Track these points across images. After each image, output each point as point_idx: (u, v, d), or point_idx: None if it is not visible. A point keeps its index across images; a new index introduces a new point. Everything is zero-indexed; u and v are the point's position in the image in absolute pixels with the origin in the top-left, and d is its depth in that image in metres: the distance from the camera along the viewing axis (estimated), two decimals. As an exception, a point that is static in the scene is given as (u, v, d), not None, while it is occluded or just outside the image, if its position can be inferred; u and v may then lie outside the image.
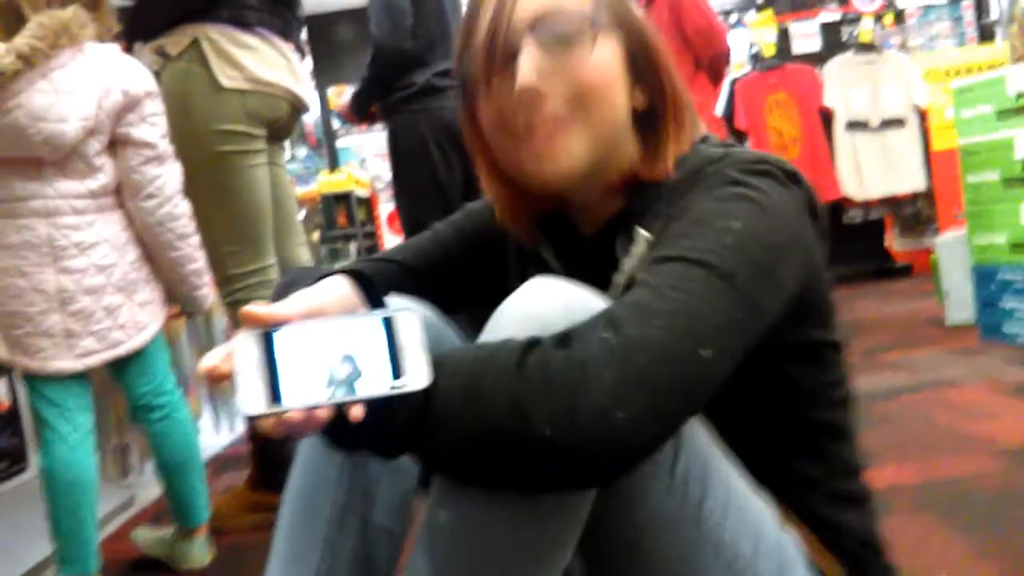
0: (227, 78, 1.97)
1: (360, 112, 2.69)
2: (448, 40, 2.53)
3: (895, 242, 5.10)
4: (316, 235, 5.75)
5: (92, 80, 1.71)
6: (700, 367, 0.66)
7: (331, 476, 0.86)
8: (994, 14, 5.36)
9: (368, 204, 6.30)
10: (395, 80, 2.53)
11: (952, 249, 3.29)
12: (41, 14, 1.67)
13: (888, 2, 5.29)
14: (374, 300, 0.85)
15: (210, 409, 2.74)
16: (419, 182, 2.57)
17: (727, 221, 0.73)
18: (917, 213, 4.94)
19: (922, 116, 4.76)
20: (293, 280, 0.87)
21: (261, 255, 2.08)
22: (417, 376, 0.64)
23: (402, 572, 0.75)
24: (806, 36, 5.16)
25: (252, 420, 0.65)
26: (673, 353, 0.65)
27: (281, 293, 0.82)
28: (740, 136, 4.76)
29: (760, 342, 0.72)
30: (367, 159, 7.04)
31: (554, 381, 0.62)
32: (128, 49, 2.00)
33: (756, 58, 5.06)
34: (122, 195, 1.80)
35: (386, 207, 6.51)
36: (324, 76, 7.19)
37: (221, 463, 2.80)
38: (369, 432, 0.65)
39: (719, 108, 4.33)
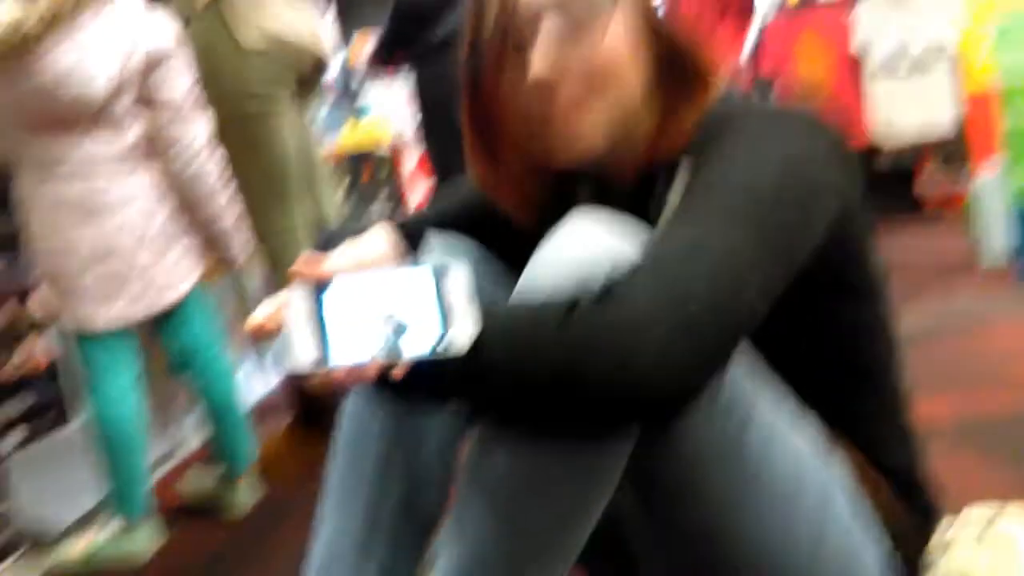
0: (249, 39, 1.96)
1: (383, 63, 2.67)
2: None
3: (927, 187, 5.03)
4: (340, 192, 5.74)
5: (116, 40, 1.71)
6: (742, 309, 0.67)
7: (378, 421, 0.87)
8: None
9: (392, 159, 6.28)
10: (416, 32, 2.51)
11: (987, 192, 3.25)
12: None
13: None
14: (416, 251, 0.86)
15: (249, 359, 2.78)
16: (447, 131, 2.55)
17: (755, 168, 0.73)
18: (949, 157, 4.86)
19: (955, 59, 4.66)
20: (336, 233, 0.88)
21: (289, 213, 2.09)
22: (465, 329, 0.64)
23: (449, 514, 0.77)
24: (837, -23, 5.03)
25: (304, 376, 0.65)
26: (715, 299, 0.65)
27: (324, 247, 0.83)
28: (767, 83, 4.68)
29: (799, 279, 0.72)
30: (390, 113, 7.00)
31: (600, 338, 0.62)
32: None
33: (784, 2, 4.95)
34: (152, 153, 1.81)
35: (410, 162, 6.48)
36: (347, 24, 7.10)
37: (262, 411, 2.85)
38: (418, 384, 0.66)
39: (746, 54, 4.26)
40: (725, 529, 0.77)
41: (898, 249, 4.18)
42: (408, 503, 0.86)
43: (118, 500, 1.78)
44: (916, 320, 2.68)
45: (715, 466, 0.75)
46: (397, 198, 6.15)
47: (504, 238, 1.02)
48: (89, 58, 1.67)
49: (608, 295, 0.64)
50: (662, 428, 0.71)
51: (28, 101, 1.66)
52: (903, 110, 4.73)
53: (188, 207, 1.86)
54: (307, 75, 2.15)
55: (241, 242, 1.99)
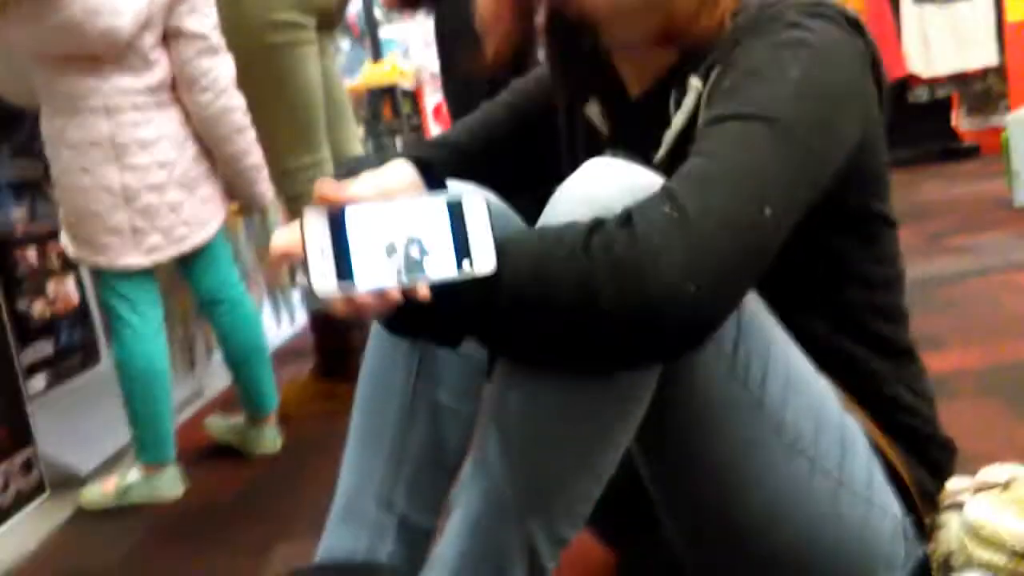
0: None
1: (403, 2, 2.61)
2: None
3: (962, 121, 4.90)
4: (361, 129, 5.70)
5: None
6: (764, 228, 0.66)
7: (399, 360, 0.87)
8: None
9: (413, 96, 6.21)
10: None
11: (1025, 127, 3.15)
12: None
13: None
14: (435, 184, 0.85)
15: (270, 303, 2.79)
16: (467, 73, 2.50)
17: (782, 70, 0.71)
18: (987, 90, 4.72)
19: (996, -15, 4.48)
20: (357, 164, 0.87)
21: (315, 148, 2.08)
22: (484, 259, 0.64)
23: (470, 457, 0.77)
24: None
25: (322, 301, 0.64)
26: (736, 217, 0.64)
27: (345, 176, 0.82)
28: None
29: (810, 217, 0.70)
30: (411, 49, 6.90)
31: (620, 260, 0.61)
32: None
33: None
34: (178, 90, 1.80)
35: (432, 99, 6.40)
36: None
37: (283, 355, 2.88)
38: (436, 315, 0.66)
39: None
40: (740, 481, 0.77)
41: (930, 187, 4.10)
42: (431, 448, 0.87)
43: (144, 442, 1.82)
44: (945, 262, 2.63)
45: (734, 417, 0.75)
46: (420, 133, 6.11)
47: (517, 168, 1.00)
48: None
49: (628, 218, 0.64)
50: (678, 356, 0.69)
51: (55, 35, 1.65)
52: (941, 38, 4.58)
53: (213, 145, 1.85)
54: (333, 7, 2.11)
55: (266, 180, 1.98)
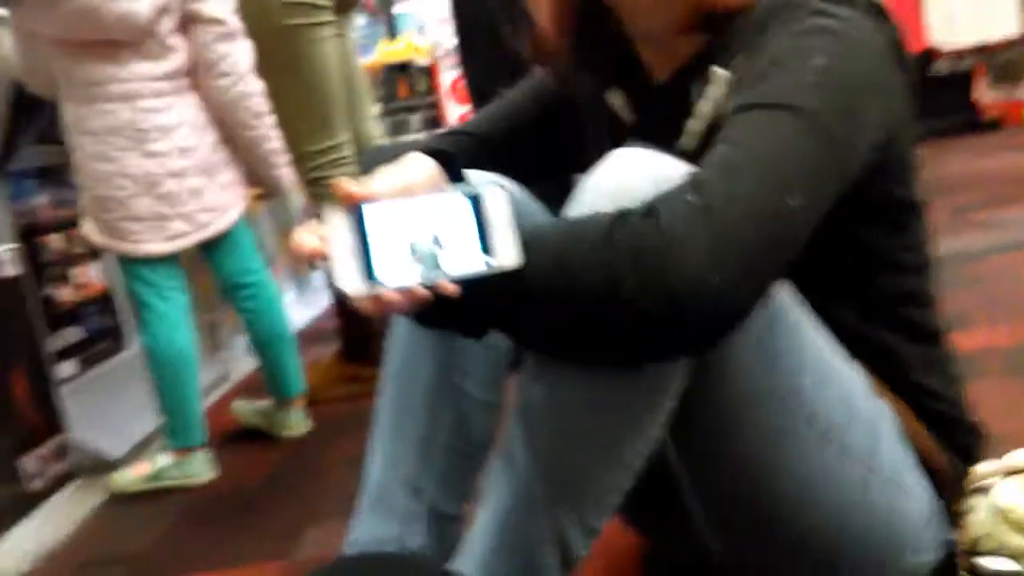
0: None
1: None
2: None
3: (986, 94, 4.82)
4: (377, 108, 5.68)
5: None
6: (790, 217, 0.65)
7: (426, 349, 0.87)
8: None
9: (429, 73, 6.18)
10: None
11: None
12: None
13: None
14: (456, 177, 0.85)
15: (293, 286, 2.82)
16: (485, 49, 2.49)
17: (807, 58, 0.70)
18: (1011, 61, 4.64)
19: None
20: (375, 156, 0.87)
21: (334, 130, 2.07)
22: (507, 253, 0.64)
23: (497, 448, 0.77)
24: None
25: (351, 299, 0.65)
26: (761, 207, 0.64)
27: (365, 170, 0.82)
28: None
29: (839, 207, 0.70)
30: (427, 25, 6.85)
31: (642, 251, 0.61)
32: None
33: None
34: (197, 76, 1.80)
35: (448, 76, 6.36)
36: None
37: (305, 338, 2.90)
38: (461, 310, 0.66)
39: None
40: (771, 470, 0.77)
41: (953, 161, 4.05)
42: (458, 437, 0.87)
43: (174, 427, 1.84)
44: (969, 238, 2.60)
45: (766, 408, 0.74)
46: (436, 111, 6.08)
47: (540, 157, 1.00)
48: None
49: (651, 208, 0.63)
50: (704, 349, 0.69)
51: (73, 21, 1.65)
52: (963, 10, 4.50)
53: (233, 130, 1.86)
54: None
55: (286, 164, 1.99)
